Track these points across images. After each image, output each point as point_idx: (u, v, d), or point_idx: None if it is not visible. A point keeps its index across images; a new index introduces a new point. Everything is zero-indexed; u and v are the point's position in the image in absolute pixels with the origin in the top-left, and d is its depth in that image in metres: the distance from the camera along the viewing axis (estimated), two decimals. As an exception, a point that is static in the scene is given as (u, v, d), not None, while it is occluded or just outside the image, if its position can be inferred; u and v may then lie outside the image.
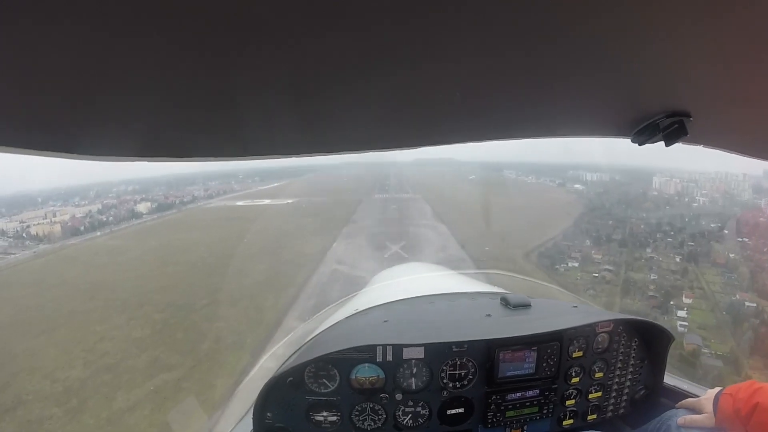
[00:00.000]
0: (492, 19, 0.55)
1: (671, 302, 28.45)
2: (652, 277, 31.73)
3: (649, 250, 35.31)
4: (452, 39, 0.60)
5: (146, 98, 0.68)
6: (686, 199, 39.99)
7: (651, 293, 29.97)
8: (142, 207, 61.34)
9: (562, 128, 1.13)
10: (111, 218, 56.43)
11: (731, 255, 31.09)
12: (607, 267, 34.17)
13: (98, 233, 52.58)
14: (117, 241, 50.53)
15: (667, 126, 0.97)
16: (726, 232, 33.37)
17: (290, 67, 0.63)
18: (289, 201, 71.22)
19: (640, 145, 1.10)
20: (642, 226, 38.38)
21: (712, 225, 34.72)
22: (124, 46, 0.52)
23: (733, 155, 1.30)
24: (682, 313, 27.50)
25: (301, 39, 0.56)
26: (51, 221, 51.76)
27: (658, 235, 35.99)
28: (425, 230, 47.04)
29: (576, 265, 35.64)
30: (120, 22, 0.47)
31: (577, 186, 55.65)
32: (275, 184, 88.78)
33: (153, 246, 47.66)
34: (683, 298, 28.92)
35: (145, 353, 24.85)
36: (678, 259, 33.10)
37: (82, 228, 52.75)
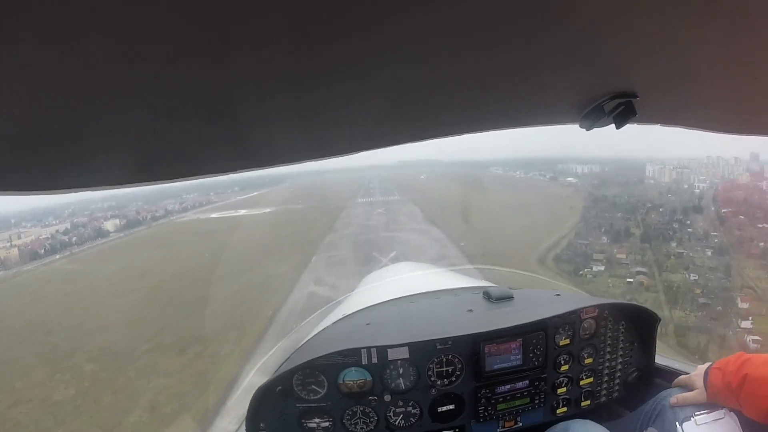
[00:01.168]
0: (444, 20, 0.56)
1: (730, 309, 25.33)
2: (692, 278, 28.92)
3: (674, 244, 32.82)
4: (407, 41, 0.62)
5: (139, 119, 0.68)
6: (685, 186, 39.79)
7: (701, 299, 26.69)
8: (109, 225, 58.77)
9: (513, 119, 1.19)
10: (75, 239, 53.28)
11: (761, 244, 29.81)
12: (639, 269, 31.16)
13: (57, 256, 49.34)
14: (74, 265, 46.96)
15: (614, 108, 1.01)
16: (742, 218, 32.28)
17: (286, 69, 0.64)
18: (267, 210, 70.11)
19: (588, 129, 1.15)
20: (653, 216, 36.99)
21: (724, 210, 33.56)
22: (112, 65, 0.51)
23: (695, 132, 1.38)
24: (746, 324, 23.98)
25: (295, 39, 0.56)
26: (11, 245, 48.77)
27: (675, 226, 34.10)
28: (417, 236, 43.76)
29: (602, 268, 32.39)
30: (108, 35, 0.46)
31: (570, 179, 55.59)
32: (254, 194, 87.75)
33: (110, 270, 44.20)
34: (739, 303, 25.46)
35: (60, 428, 20.45)
36: (710, 253, 30.83)
37: (42, 251, 49.16)
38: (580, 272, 32.01)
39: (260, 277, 36.08)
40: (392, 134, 1.13)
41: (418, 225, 47.57)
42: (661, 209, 37.16)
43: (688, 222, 33.67)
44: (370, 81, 0.74)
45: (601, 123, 1.08)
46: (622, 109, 1.00)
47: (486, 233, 42.82)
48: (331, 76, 0.69)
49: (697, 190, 37.96)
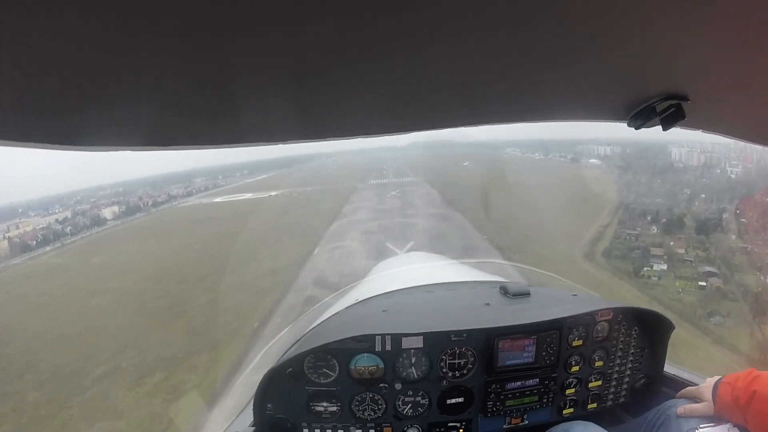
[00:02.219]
0: (485, 3, 0.58)
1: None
2: (768, 281, 25.43)
3: (733, 236, 28.57)
4: (449, 23, 0.64)
5: (141, 86, 0.73)
6: (718, 171, 36.49)
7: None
8: (108, 212, 56.83)
9: (558, 112, 1.23)
10: (70, 228, 51.19)
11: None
12: (708, 269, 26.66)
13: (48, 248, 47.42)
14: (61, 258, 44.23)
15: (665, 109, 1.05)
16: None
17: (287, 52, 0.67)
18: (273, 193, 66.85)
19: (636, 129, 1.18)
20: (697, 204, 33.36)
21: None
22: (117, 34, 0.55)
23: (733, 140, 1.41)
24: None
25: (298, 22, 0.58)
26: (3, 237, 46.82)
27: (725, 216, 30.37)
28: (437, 223, 38.91)
29: (664, 267, 27.29)
30: (115, 10, 0.49)
31: (593, 161, 52.95)
32: (263, 176, 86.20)
33: (92, 265, 40.99)
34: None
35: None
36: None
37: (34, 243, 47.32)
38: (641, 272, 27.61)
39: (252, 274, 32.93)
40: (414, 120, 1.17)
41: (437, 210, 43.65)
42: (703, 195, 34.58)
43: (738, 211, 30.56)
44: (389, 66, 0.78)
45: (650, 123, 1.11)
46: (672, 111, 1.03)
47: (515, 222, 38.63)
48: (340, 61, 0.72)
49: (732, 176, 35.55)
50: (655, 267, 27.11)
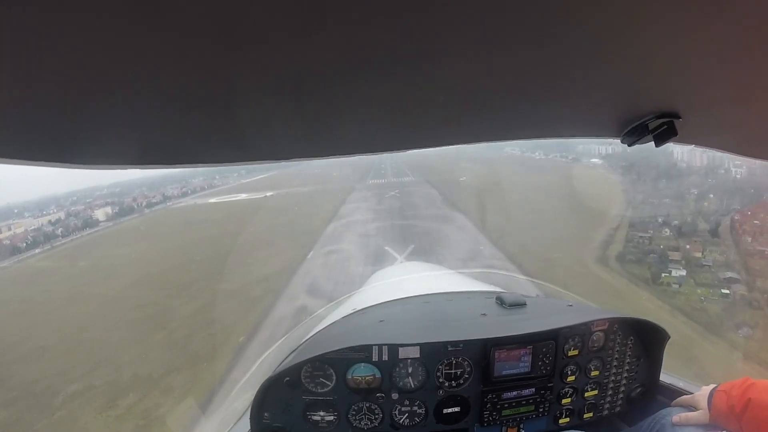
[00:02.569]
0: (480, 20, 0.59)
1: None
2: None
3: (749, 239, 26.98)
4: (440, 41, 0.64)
5: (142, 104, 0.74)
6: (722, 171, 35.63)
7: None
8: (100, 213, 55.66)
9: (551, 130, 1.26)
10: (61, 230, 50.18)
11: None
12: (729, 274, 24.74)
13: (37, 251, 46.02)
14: (48, 261, 42.53)
15: (657, 127, 1.08)
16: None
17: (290, 69, 0.68)
18: (269, 194, 66.57)
19: (629, 145, 1.22)
20: (706, 205, 32.15)
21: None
22: (117, 51, 0.55)
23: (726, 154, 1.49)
24: None
25: (300, 39, 0.59)
26: None
27: (736, 217, 28.98)
28: (439, 225, 36.82)
29: (683, 273, 25.35)
30: (113, 26, 0.50)
31: (594, 160, 52.45)
32: (260, 176, 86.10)
33: (78, 270, 39.22)
34: None
35: None
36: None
37: (24, 245, 46.01)
38: (660, 279, 25.77)
39: (240, 281, 30.88)
40: (409, 138, 1.20)
41: (438, 211, 41.96)
42: (711, 195, 33.62)
43: (749, 213, 29.70)
44: (386, 82, 0.79)
45: (643, 140, 1.15)
46: (665, 128, 1.07)
47: (520, 223, 36.94)
48: (343, 77, 0.74)
49: (737, 176, 34.69)
50: (674, 273, 25.25)
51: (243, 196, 66.24)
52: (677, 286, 24.33)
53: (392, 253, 28.26)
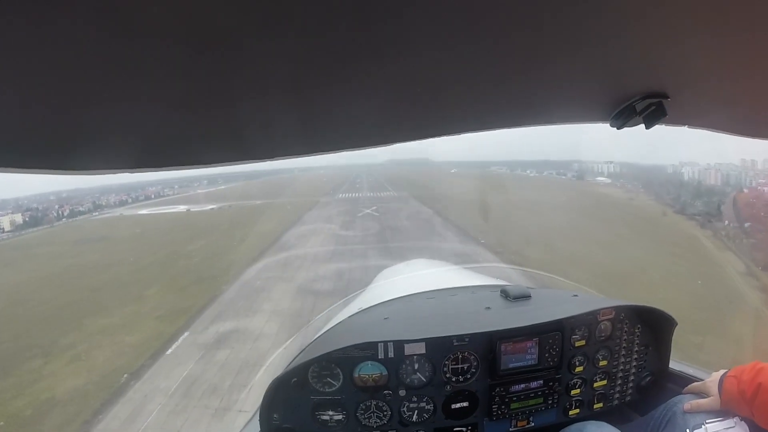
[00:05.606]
0: (464, 7, 0.59)
1: None
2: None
3: None
4: (426, 30, 0.64)
5: (141, 107, 0.74)
6: (745, 191, 34.36)
7: None
8: (6, 222, 49.53)
9: (540, 116, 1.25)
10: None
11: None
12: None
13: None
14: None
15: (645, 108, 1.06)
16: None
17: (286, 65, 0.68)
18: (212, 207, 60.38)
19: (618, 128, 1.20)
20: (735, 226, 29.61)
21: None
22: (115, 54, 0.55)
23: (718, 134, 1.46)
24: None
25: (296, 35, 0.59)
26: None
27: None
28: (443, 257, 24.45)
29: None
30: (109, 29, 0.49)
31: (600, 178, 51.16)
32: (221, 187, 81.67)
33: None
34: None
35: None
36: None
37: None
38: None
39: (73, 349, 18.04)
40: (399, 130, 1.18)
41: (446, 243, 29.29)
42: (742, 216, 33.37)
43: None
44: (376, 75, 0.80)
45: (631, 123, 1.13)
46: (653, 109, 1.05)
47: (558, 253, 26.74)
48: (335, 73, 0.74)
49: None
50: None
51: (181, 208, 59.88)
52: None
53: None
